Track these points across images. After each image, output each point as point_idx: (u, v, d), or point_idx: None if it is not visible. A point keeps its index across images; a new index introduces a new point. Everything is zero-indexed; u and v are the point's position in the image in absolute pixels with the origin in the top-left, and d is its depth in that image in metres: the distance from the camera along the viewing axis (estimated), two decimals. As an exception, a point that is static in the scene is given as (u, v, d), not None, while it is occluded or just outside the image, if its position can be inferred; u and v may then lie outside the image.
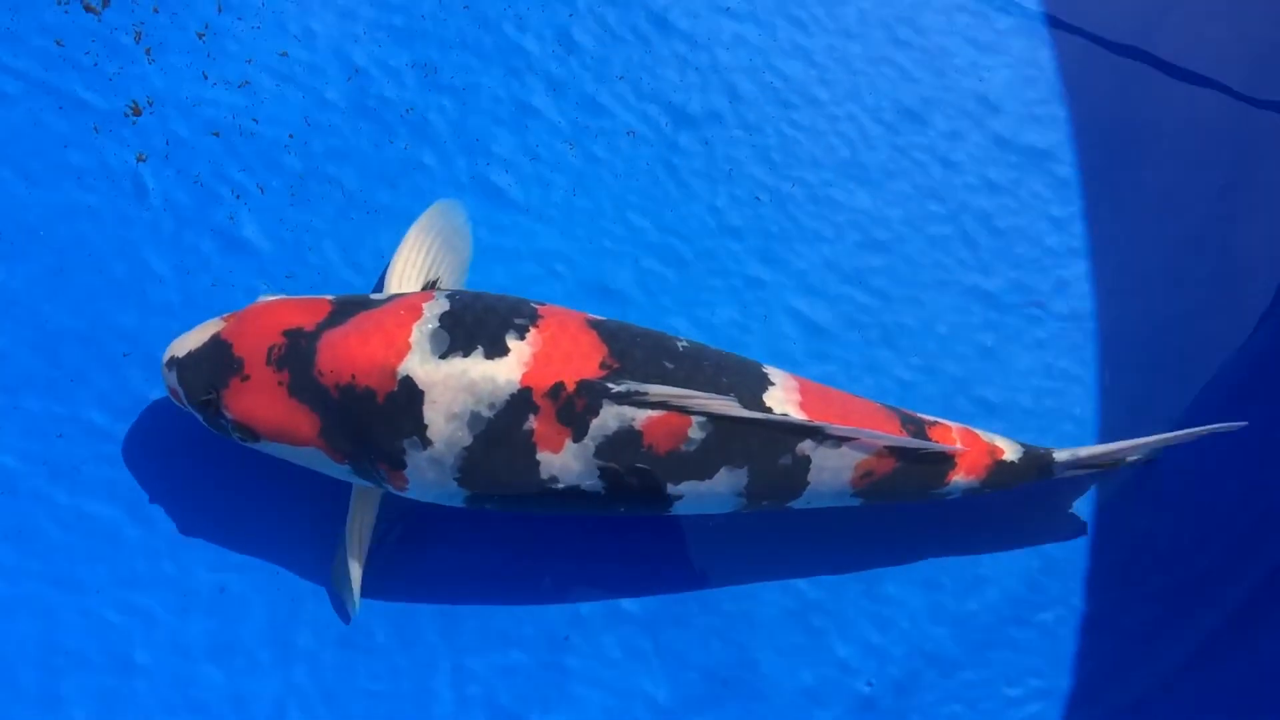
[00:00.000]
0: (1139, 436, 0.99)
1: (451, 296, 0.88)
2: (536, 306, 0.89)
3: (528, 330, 0.86)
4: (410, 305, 0.87)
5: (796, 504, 0.92)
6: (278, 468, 0.93)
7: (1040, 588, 1.02)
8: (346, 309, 0.88)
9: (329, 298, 0.91)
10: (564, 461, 0.85)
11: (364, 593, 0.94)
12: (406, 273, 0.97)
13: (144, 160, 1.02)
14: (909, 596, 1.01)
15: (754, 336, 1.05)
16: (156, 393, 0.98)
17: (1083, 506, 1.04)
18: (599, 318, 0.91)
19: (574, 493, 0.87)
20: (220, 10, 1.05)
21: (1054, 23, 1.14)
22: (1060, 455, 0.98)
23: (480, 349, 0.84)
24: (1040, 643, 1.01)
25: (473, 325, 0.85)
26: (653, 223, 1.07)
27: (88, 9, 1.03)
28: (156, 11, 1.04)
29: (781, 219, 1.08)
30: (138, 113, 1.03)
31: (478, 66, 1.08)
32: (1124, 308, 1.09)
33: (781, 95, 1.10)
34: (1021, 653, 1.01)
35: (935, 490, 0.95)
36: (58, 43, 1.03)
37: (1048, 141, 1.12)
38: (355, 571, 0.94)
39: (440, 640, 0.97)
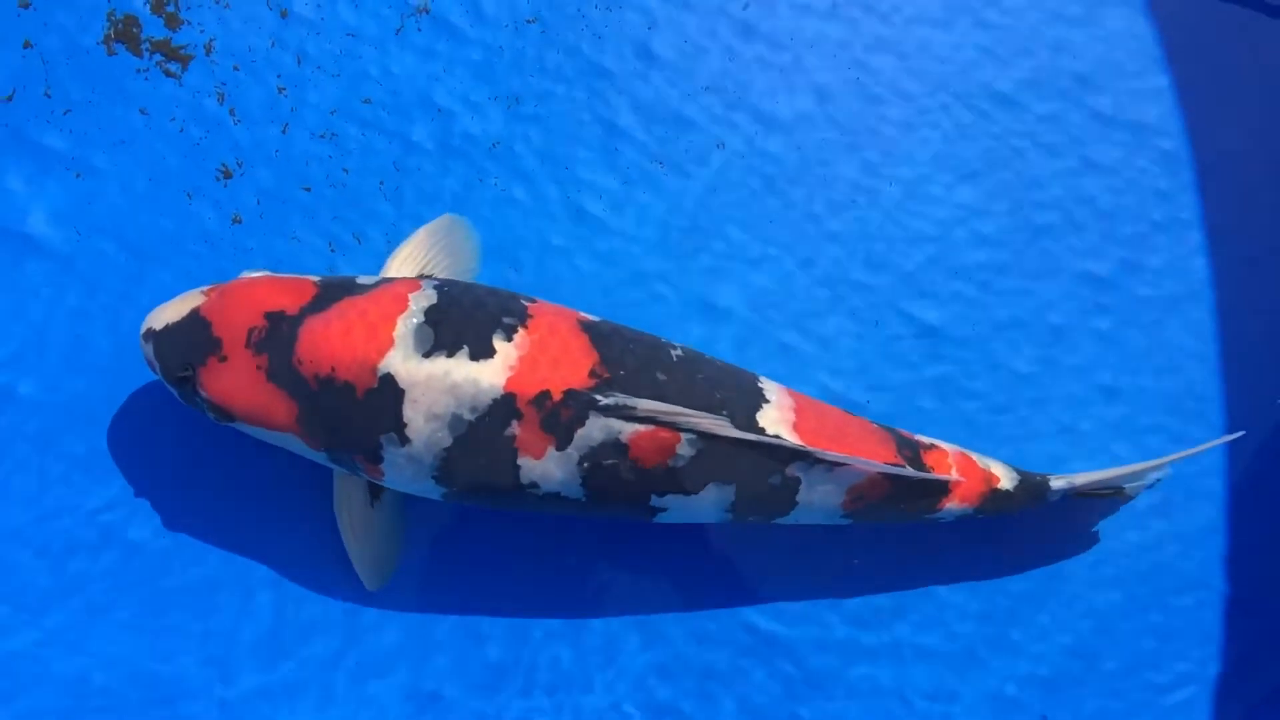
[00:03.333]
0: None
1: (440, 288, 0.86)
2: (527, 304, 0.86)
3: (516, 331, 0.83)
4: (396, 295, 0.84)
5: (784, 521, 0.91)
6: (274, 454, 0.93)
7: (1177, 571, 1.01)
8: (331, 292, 0.86)
9: (314, 279, 0.88)
10: (545, 468, 0.83)
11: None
12: (404, 263, 0.95)
13: (239, 222, 1.01)
14: (1043, 592, 1.01)
15: (867, 344, 1.03)
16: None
17: (1215, 485, 1.03)
18: (592, 318, 0.88)
19: (554, 498, 0.86)
20: (299, 62, 1.04)
21: (1146, -11, 1.10)
22: (1056, 482, 0.95)
23: (465, 349, 0.81)
24: (1184, 627, 1.01)
25: (459, 322, 0.83)
26: (752, 235, 1.05)
27: (167, 74, 1.02)
28: (237, 69, 1.03)
29: (882, 220, 1.06)
30: (229, 175, 1.02)
31: (560, 92, 1.06)
32: (1240, 279, 1.06)
33: (870, 91, 1.07)
34: (1165, 639, 1.01)
35: (928, 515, 0.93)
36: (142, 111, 1.02)
37: (1149, 115, 1.08)
38: (356, 554, 0.93)
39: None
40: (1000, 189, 1.07)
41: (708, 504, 0.87)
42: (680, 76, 1.07)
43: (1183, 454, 0.96)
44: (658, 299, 1.04)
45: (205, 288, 0.89)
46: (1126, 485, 0.98)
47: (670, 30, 1.07)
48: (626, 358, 0.84)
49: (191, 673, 0.95)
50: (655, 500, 0.85)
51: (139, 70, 1.02)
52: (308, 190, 1.02)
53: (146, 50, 1.02)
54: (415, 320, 0.82)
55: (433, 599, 0.98)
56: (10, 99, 1.01)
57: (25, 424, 0.98)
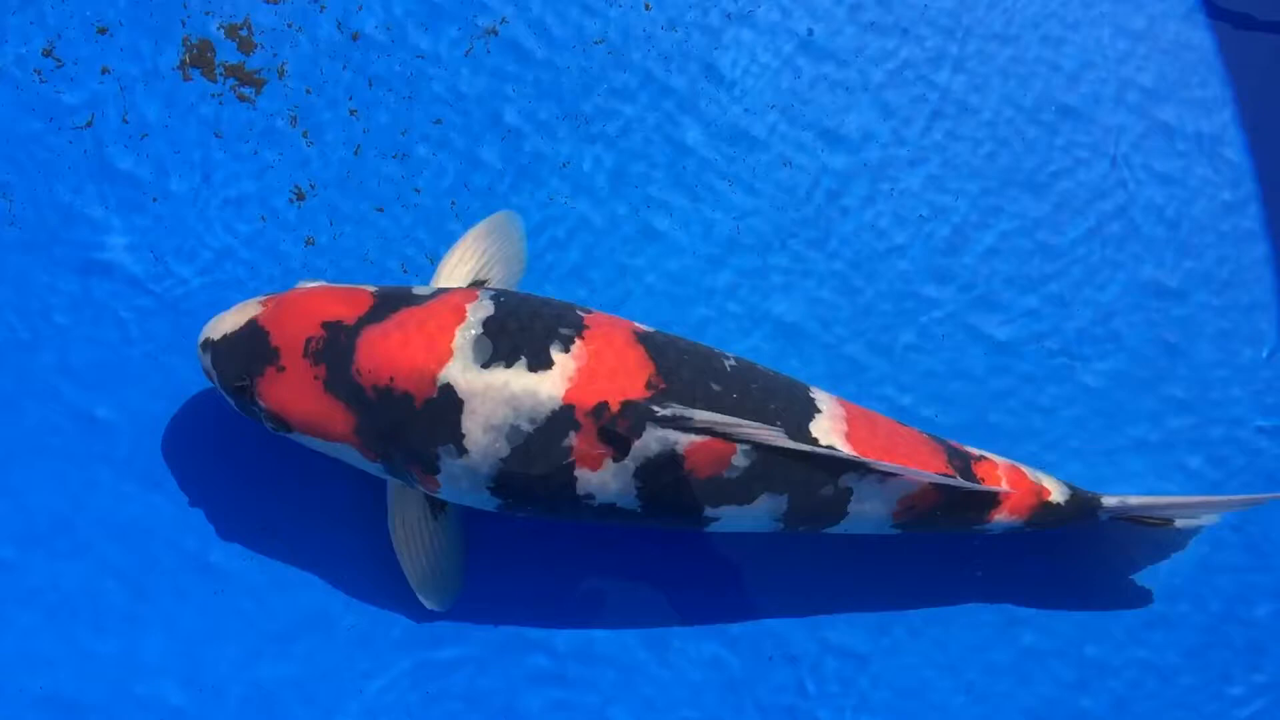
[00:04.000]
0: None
1: (496, 298, 0.86)
2: (583, 315, 0.87)
3: (573, 342, 0.83)
4: (454, 305, 0.85)
5: (834, 530, 0.91)
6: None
7: (1251, 584, 1.01)
8: (389, 303, 0.86)
9: (370, 288, 0.89)
10: (602, 480, 0.83)
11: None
12: (456, 269, 0.96)
13: (312, 244, 1.03)
14: (1112, 604, 1.01)
15: (935, 359, 1.04)
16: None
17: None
18: (648, 329, 0.89)
19: (609, 509, 0.86)
20: (370, 85, 1.05)
21: (1208, 2, 1.11)
22: (1108, 500, 0.95)
23: (524, 360, 0.82)
24: (1258, 638, 1.01)
25: (517, 333, 0.83)
26: (819, 251, 1.05)
27: (241, 98, 1.04)
28: (309, 93, 1.04)
29: (949, 233, 1.06)
30: (301, 197, 1.03)
31: (628, 111, 1.06)
32: (1307, 289, 1.07)
33: (935, 106, 1.08)
34: (1239, 651, 1.01)
35: (977, 526, 0.93)
36: (216, 134, 1.03)
37: (1213, 125, 1.08)
38: (409, 569, 0.93)
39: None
40: (1066, 201, 1.07)
41: (761, 514, 0.87)
42: (746, 95, 1.07)
43: (1238, 501, 0.96)
44: (727, 315, 1.04)
45: (262, 297, 0.90)
46: (1178, 518, 0.98)
47: (736, 50, 1.08)
48: (682, 368, 0.85)
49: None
50: (709, 510, 0.86)
51: (213, 95, 1.04)
52: (380, 211, 1.03)
53: (221, 74, 1.04)
54: (474, 331, 0.83)
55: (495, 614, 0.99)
56: (90, 124, 1.02)
57: (104, 447, 0.99)
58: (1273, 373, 1.05)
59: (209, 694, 0.96)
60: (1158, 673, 1.00)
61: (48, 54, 1.03)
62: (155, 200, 1.02)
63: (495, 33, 1.07)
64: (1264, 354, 1.05)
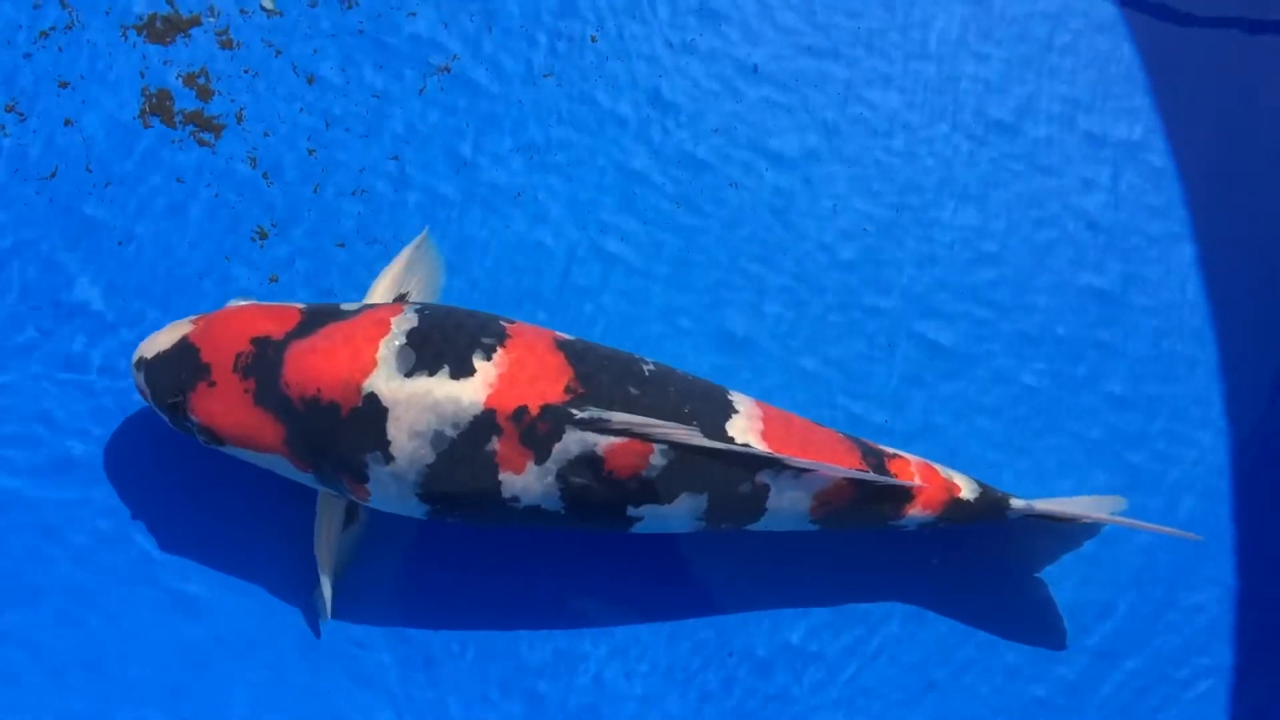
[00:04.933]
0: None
1: (420, 311, 0.89)
2: (506, 325, 0.90)
3: (495, 350, 0.86)
4: (378, 319, 0.88)
5: (755, 527, 0.94)
6: (255, 474, 0.96)
7: (1193, 570, 1.06)
8: (316, 319, 0.89)
9: (299, 306, 0.92)
10: (525, 482, 0.86)
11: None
12: (382, 288, 0.99)
13: (276, 280, 1.06)
14: (1061, 596, 1.05)
15: (881, 365, 1.08)
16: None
17: (1222, 485, 1.08)
18: (569, 337, 0.92)
19: (535, 511, 0.88)
20: (327, 125, 1.08)
21: (1129, 15, 1.16)
22: (1016, 502, 0.98)
23: (446, 368, 0.85)
24: (1201, 623, 1.05)
25: (440, 343, 0.86)
26: (767, 267, 1.10)
27: (201, 143, 1.07)
28: (267, 135, 1.08)
29: (891, 246, 1.11)
30: (264, 236, 1.06)
31: (578, 140, 1.10)
32: (1232, 286, 1.11)
33: (872, 124, 1.13)
34: (1182, 635, 1.05)
35: (892, 522, 0.96)
36: (179, 180, 1.06)
37: (1138, 133, 1.14)
38: (325, 578, 0.95)
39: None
40: (1001, 210, 1.12)
41: (682, 512, 0.90)
42: (692, 120, 1.12)
43: (1132, 524, 1.00)
44: (681, 332, 1.08)
45: (193, 317, 0.93)
46: (1084, 520, 1.01)
47: (679, 77, 1.12)
48: (601, 373, 0.88)
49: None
50: (631, 510, 0.89)
51: (174, 141, 1.07)
52: (341, 246, 1.07)
53: (180, 121, 1.07)
54: (398, 342, 0.86)
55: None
56: (54, 175, 1.05)
57: (73, 487, 1.01)
58: (1205, 369, 1.10)
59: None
60: (1107, 659, 1.04)
61: (10, 109, 1.06)
62: (120, 244, 1.05)
63: (448, 70, 1.11)
64: (1196, 352, 1.10)
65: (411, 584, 1.02)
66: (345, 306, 0.92)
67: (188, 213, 1.06)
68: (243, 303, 0.93)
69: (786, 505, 0.92)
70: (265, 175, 1.07)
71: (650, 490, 0.88)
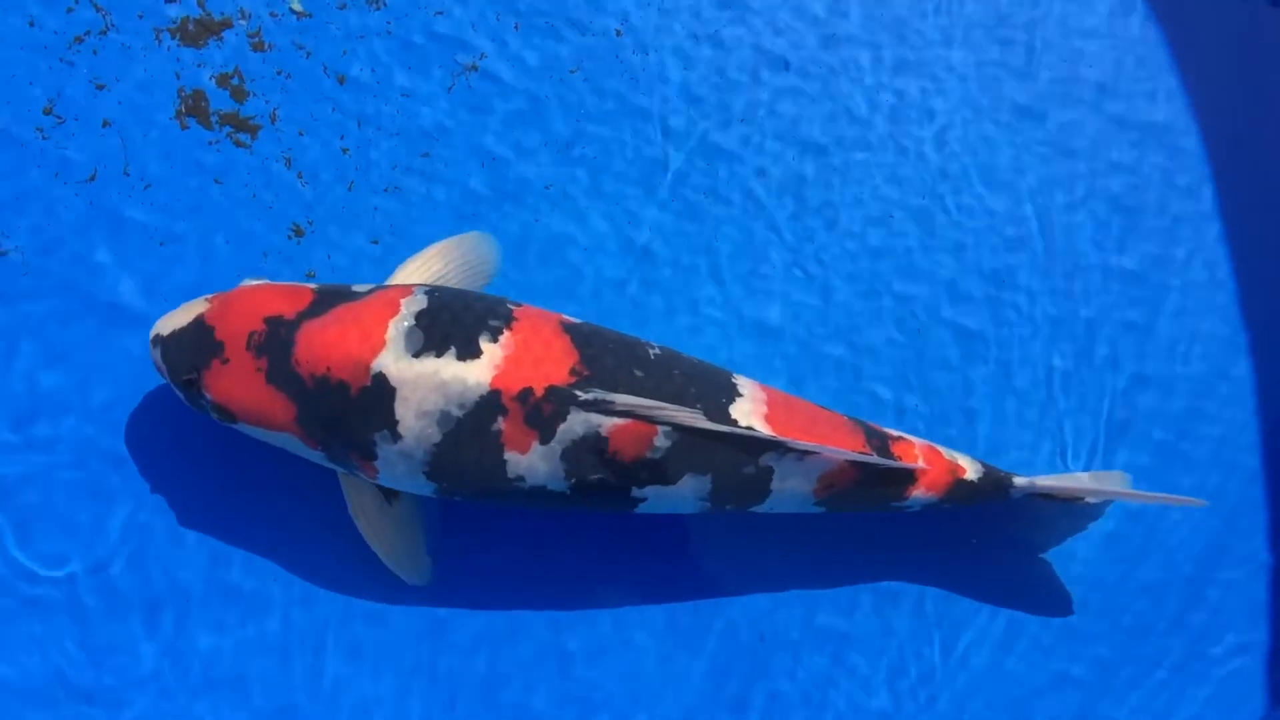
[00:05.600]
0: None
1: (430, 293, 0.90)
2: (513, 308, 0.91)
3: (501, 332, 0.88)
4: (389, 300, 0.89)
5: (760, 509, 0.95)
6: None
7: (1227, 548, 1.07)
8: (328, 299, 0.91)
9: (312, 286, 0.93)
10: (530, 462, 0.87)
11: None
12: (410, 274, 1.00)
13: (313, 276, 1.07)
14: (1095, 574, 1.06)
15: (911, 351, 1.09)
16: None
17: (1251, 461, 1.08)
18: (575, 321, 0.93)
19: (540, 491, 0.90)
20: (360, 124, 1.10)
21: (1152, -3, 1.17)
22: (1019, 480, 0.99)
23: (453, 349, 0.86)
24: (1234, 600, 1.06)
25: (448, 324, 0.87)
26: (795, 256, 1.11)
27: (238, 144, 1.09)
28: (301, 135, 1.09)
29: (919, 232, 1.12)
30: (300, 234, 1.08)
31: (605, 134, 1.12)
32: (1261, 263, 1.12)
33: (899, 112, 1.14)
34: (1215, 612, 1.06)
35: (895, 503, 0.97)
36: (216, 181, 1.08)
37: (1164, 114, 1.14)
38: (383, 549, 0.96)
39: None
40: (1027, 195, 1.13)
41: (686, 494, 0.92)
42: (717, 110, 1.13)
43: (1138, 496, 1.00)
44: (711, 322, 1.09)
45: (208, 296, 0.95)
46: (1087, 498, 1.01)
47: (704, 68, 1.13)
48: (605, 356, 0.89)
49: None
50: (635, 491, 0.90)
51: (210, 142, 1.09)
52: (375, 243, 1.08)
53: (216, 122, 1.09)
54: (406, 323, 0.87)
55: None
56: (93, 178, 1.07)
57: (119, 481, 1.03)
58: (1233, 348, 1.11)
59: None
60: (1142, 638, 1.05)
61: (48, 112, 1.08)
62: (161, 244, 1.06)
63: (475, 68, 1.12)
64: (1224, 330, 1.11)
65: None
66: (357, 288, 0.93)
67: (225, 212, 1.08)
68: (256, 283, 0.95)
69: (790, 488, 0.93)
70: (300, 175, 1.09)
71: (654, 471, 0.89)
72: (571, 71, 1.13)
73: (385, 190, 1.09)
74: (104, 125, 1.08)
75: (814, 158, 1.12)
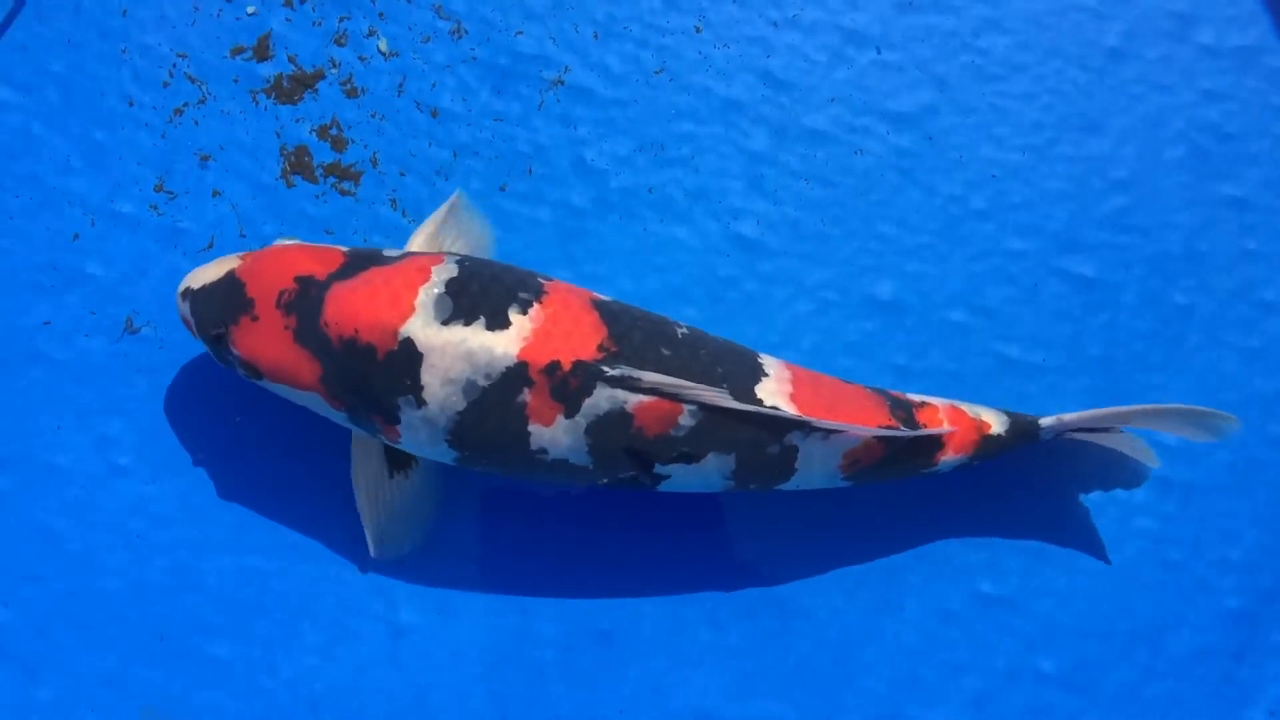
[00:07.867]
0: None
1: (461, 262, 0.91)
2: (544, 282, 0.91)
3: (531, 305, 0.88)
4: (420, 266, 0.89)
5: (786, 487, 0.95)
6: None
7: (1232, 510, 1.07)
8: (359, 262, 0.91)
9: (343, 249, 0.94)
10: (554, 435, 0.88)
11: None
12: (427, 237, 1.01)
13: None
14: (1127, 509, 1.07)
15: (1030, 306, 1.09)
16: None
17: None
18: (605, 298, 0.93)
19: (562, 465, 0.90)
20: (455, 155, 1.11)
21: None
22: (1046, 421, 0.98)
23: (482, 319, 0.87)
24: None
25: (477, 294, 0.88)
26: (903, 228, 1.11)
27: (343, 193, 1.10)
28: (403, 175, 1.11)
29: (1022, 188, 1.12)
30: (415, 272, 1.09)
31: (698, 131, 1.12)
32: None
33: (986, 71, 1.13)
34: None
35: (926, 470, 0.98)
36: (327, 231, 1.10)
37: (1252, 36, 1.13)
38: (368, 517, 0.97)
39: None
40: (1126, 135, 1.12)
41: (710, 472, 0.92)
42: (806, 94, 1.13)
43: (1165, 410, 0.99)
44: (828, 305, 1.10)
45: (241, 253, 0.96)
46: (1119, 426, 1.01)
47: (787, 53, 1.14)
48: (634, 333, 0.90)
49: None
50: (659, 468, 0.91)
51: (317, 195, 1.10)
52: (490, 269, 1.10)
53: (320, 174, 1.10)
54: (436, 290, 0.88)
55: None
56: (210, 246, 1.09)
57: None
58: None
59: None
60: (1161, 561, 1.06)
61: (159, 189, 1.10)
62: (283, 302, 1.08)
63: (561, 82, 1.13)
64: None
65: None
66: (388, 252, 0.94)
67: (340, 261, 1.09)
68: (289, 242, 0.96)
69: (816, 465, 0.93)
70: (404, 214, 1.10)
71: (678, 449, 0.90)
72: (656, 73, 1.13)
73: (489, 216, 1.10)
74: (214, 195, 1.10)
75: (908, 128, 1.12)
